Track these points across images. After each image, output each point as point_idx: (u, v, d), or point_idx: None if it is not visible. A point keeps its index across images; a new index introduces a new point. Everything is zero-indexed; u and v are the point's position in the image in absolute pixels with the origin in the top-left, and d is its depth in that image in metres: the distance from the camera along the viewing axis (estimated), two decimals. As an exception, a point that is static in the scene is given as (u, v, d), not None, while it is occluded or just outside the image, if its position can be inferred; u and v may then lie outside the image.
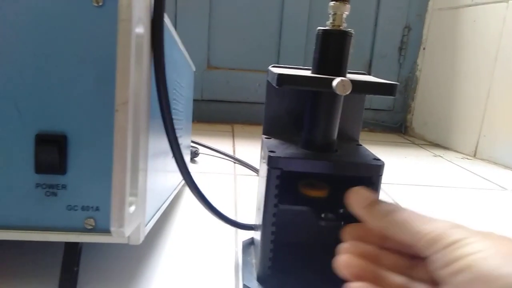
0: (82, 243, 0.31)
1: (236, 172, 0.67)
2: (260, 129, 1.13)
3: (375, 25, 1.12)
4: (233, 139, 0.93)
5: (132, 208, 0.23)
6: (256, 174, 0.67)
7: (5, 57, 0.25)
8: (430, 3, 1.11)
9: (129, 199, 0.22)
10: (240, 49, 1.09)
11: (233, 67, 1.10)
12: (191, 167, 0.65)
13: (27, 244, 0.37)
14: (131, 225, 0.23)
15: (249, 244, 0.41)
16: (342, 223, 0.31)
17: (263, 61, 1.10)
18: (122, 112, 0.21)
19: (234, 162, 0.73)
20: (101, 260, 0.36)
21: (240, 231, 0.44)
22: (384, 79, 1.19)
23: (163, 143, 0.30)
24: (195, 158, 0.71)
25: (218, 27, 1.07)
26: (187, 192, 0.54)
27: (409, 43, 1.14)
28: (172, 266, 0.37)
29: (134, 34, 0.22)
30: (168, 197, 0.38)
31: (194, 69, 0.57)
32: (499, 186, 0.72)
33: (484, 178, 0.76)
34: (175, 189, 0.44)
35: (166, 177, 0.36)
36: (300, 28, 1.09)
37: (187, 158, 0.56)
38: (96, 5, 0.25)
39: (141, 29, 0.23)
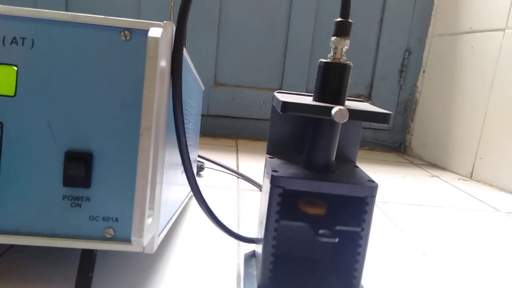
0: (97, 250, 0.33)
1: (239, 187, 0.70)
2: (263, 145, 1.18)
3: (377, 48, 1.16)
4: (237, 154, 0.96)
5: (150, 220, 0.26)
6: (258, 189, 0.70)
7: (41, 84, 0.28)
8: (430, 29, 1.16)
9: (148, 212, 0.25)
10: (246, 67, 1.13)
11: (238, 84, 1.14)
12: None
13: (42, 250, 0.40)
14: (148, 235, 0.26)
15: (250, 256, 0.43)
16: (337, 239, 0.34)
17: (268, 79, 1.14)
18: (146, 136, 0.24)
19: (238, 177, 0.76)
20: (112, 267, 0.39)
21: (242, 244, 0.47)
22: (385, 100, 1.24)
23: (174, 158, 0.33)
24: (200, 172, 0.74)
25: (226, 46, 1.12)
26: (192, 207, 0.57)
27: (409, 66, 1.17)
28: (178, 275, 0.39)
29: (159, 69, 0.25)
30: (177, 210, 0.41)
31: (203, 88, 0.61)
32: (493, 208, 0.74)
33: (479, 200, 0.79)
34: (183, 202, 0.46)
35: (176, 190, 0.39)
36: (304, 49, 1.13)
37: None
38: (124, 39, 0.28)
39: (164, 63, 0.27)
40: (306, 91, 1.14)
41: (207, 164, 0.78)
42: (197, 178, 0.72)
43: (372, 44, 1.16)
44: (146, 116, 0.24)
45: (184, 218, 0.53)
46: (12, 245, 0.40)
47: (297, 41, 1.13)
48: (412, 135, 1.21)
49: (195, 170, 0.66)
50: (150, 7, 1.07)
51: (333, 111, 0.32)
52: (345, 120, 0.32)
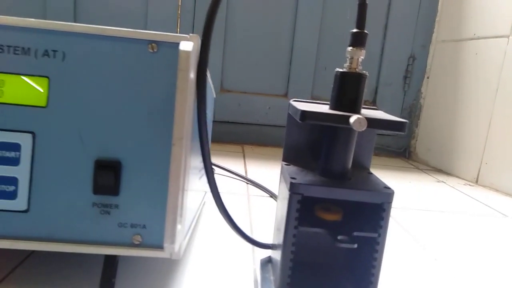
0: (119, 256, 0.34)
1: (249, 193, 0.71)
2: (269, 150, 1.18)
3: (381, 54, 1.17)
4: (244, 160, 0.97)
5: (179, 226, 0.27)
6: (268, 195, 0.71)
7: (72, 95, 0.29)
8: (434, 35, 1.17)
9: (178, 218, 0.26)
10: (252, 74, 1.14)
11: (245, 90, 1.15)
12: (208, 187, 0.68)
13: (63, 255, 0.40)
14: (179, 241, 0.27)
15: (267, 262, 0.44)
16: (356, 245, 0.35)
17: (273, 86, 1.16)
18: (178, 146, 0.24)
19: (247, 183, 0.76)
20: (130, 273, 0.40)
21: (256, 249, 0.48)
22: (389, 105, 1.26)
23: (195, 164, 0.34)
24: (210, 178, 0.75)
25: (232, 53, 1.13)
26: (204, 213, 0.58)
27: (413, 72, 1.19)
28: (196, 280, 0.40)
29: (190, 81, 0.26)
30: (195, 215, 0.42)
31: (214, 96, 0.62)
32: (500, 213, 0.75)
33: (486, 205, 0.79)
34: (199, 208, 0.47)
35: (195, 196, 0.40)
36: (310, 55, 1.14)
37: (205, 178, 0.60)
38: (151, 51, 0.29)
39: (192, 74, 0.28)
40: (311, 98, 1.16)
41: (215, 170, 0.79)
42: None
43: (376, 50, 1.17)
44: (178, 126, 0.25)
45: (197, 224, 0.54)
46: (33, 250, 0.41)
47: (303, 48, 1.14)
48: (416, 140, 1.22)
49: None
50: (157, 16, 1.09)
51: (352, 120, 0.33)
52: (364, 129, 0.33)
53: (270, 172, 0.87)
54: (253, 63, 1.14)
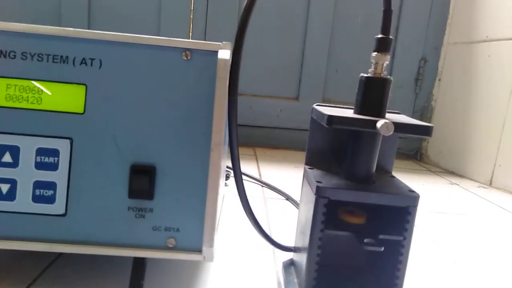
0: (147, 259, 0.35)
1: (265, 196, 0.71)
2: (281, 153, 1.18)
3: (393, 56, 1.17)
4: (257, 162, 0.97)
5: (216, 230, 0.27)
6: (284, 198, 0.71)
7: (108, 102, 0.30)
8: (446, 37, 1.17)
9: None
10: (263, 76, 1.15)
11: (256, 93, 1.16)
12: (224, 189, 0.69)
13: (91, 257, 0.41)
14: (215, 244, 0.27)
15: (289, 264, 0.44)
16: (383, 248, 0.35)
17: (284, 88, 1.16)
18: (216, 151, 0.25)
19: (262, 186, 0.77)
20: (154, 276, 0.40)
21: (277, 252, 0.48)
22: (401, 108, 1.25)
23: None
24: (226, 181, 0.75)
25: (243, 56, 1.13)
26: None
27: (425, 74, 1.19)
28: (221, 282, 0.40)
29: (227, 88, 0.27)
30: (219, 217, 0.43)
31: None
32: (516, 215, 0.75)
33: (502, 208, 0.79)
34: (220, 212, 0.48)
35: (220, 199, 0.41)
36: (321, 59, 1.15)
37: (223, 180, 0.60)
38: (185, 59, 0.30)
39: (227, 81, 0.28)
40: (322, 101, 1.16)
41: (231, 173, 0.80)
42: (225, 187, 0.73)
43: (387, 53, 1.17)
44: (217, 132, 0.25)
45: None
46: (61, 252, 0.42)
47: (314, 51, 1.14)
48: (428, 142, 1.22)
49: (223, 179, 0.67)
50: (169, 21, 1.10)
51: (379, 125, 0.33)
52: (391, 133, 0.33)
53: (284, 175, 0.87)
54: (265, 66, 1.15)
